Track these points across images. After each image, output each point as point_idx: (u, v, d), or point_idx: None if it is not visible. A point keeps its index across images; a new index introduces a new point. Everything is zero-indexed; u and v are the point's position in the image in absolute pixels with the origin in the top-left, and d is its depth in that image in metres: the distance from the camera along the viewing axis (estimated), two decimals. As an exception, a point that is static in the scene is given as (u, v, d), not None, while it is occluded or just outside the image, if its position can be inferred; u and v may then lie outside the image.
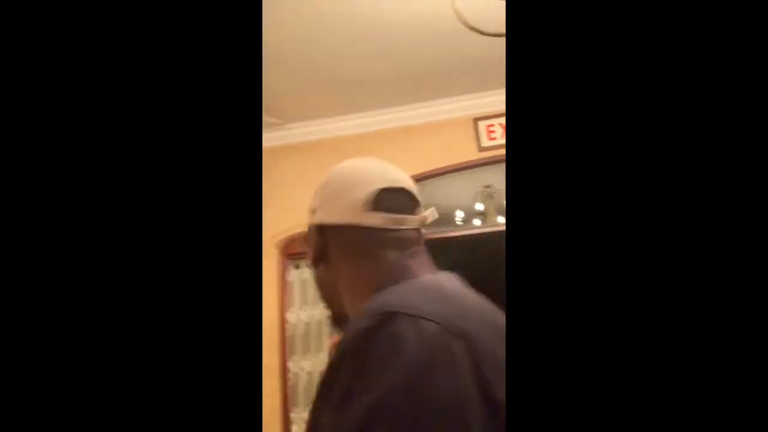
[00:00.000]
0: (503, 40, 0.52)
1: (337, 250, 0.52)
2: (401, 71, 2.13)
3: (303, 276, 2.50)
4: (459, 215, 3.85)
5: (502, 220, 3.20)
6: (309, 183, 2.41)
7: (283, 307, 2.38)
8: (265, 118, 2.44)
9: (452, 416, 0.31)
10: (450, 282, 0.47)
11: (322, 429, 0.35)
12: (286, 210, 2.34)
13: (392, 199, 0.53)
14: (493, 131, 2.37)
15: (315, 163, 2.53)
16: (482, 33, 1.37)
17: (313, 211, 0.56)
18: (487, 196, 3.44)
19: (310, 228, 0.55)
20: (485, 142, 2.37)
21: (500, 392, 0.34)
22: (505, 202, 2.94)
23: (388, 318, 0.36)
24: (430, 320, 0.35)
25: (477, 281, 0.55)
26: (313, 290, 2.45)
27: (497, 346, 0.36)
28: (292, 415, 2.25)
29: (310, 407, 0.42)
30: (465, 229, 3.04)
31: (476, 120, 2.41)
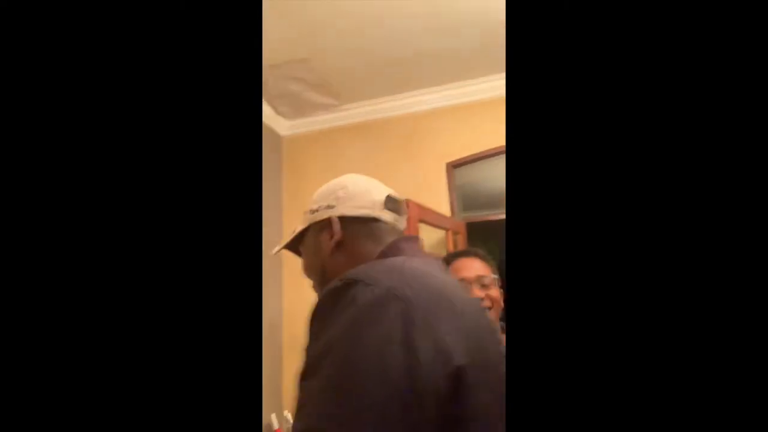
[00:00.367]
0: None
1: (354, 237, 0.66)
2: (456, 49, 2.10)
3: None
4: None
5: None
6: (364, 163, 2.44)
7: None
8: (322, 99, 2.50)
9: (375, 358, 0.41)
10: (421, 263, 0.57)
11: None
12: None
13: (392, 203, 0.70)
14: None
15: (371, 143, 2.58)
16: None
17: (327, 207, 0.69)
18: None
19: (332, 219, 0.67)
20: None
21: (425, 344, 0.43)
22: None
23: (350, 283, 0.47)
24: (379, 287, 0.46)
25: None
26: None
27: (434, 312, 0.46)
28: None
29: None
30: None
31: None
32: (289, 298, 2.48)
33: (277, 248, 0.78)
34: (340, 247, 0.66)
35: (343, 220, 0.67)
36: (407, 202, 2.04)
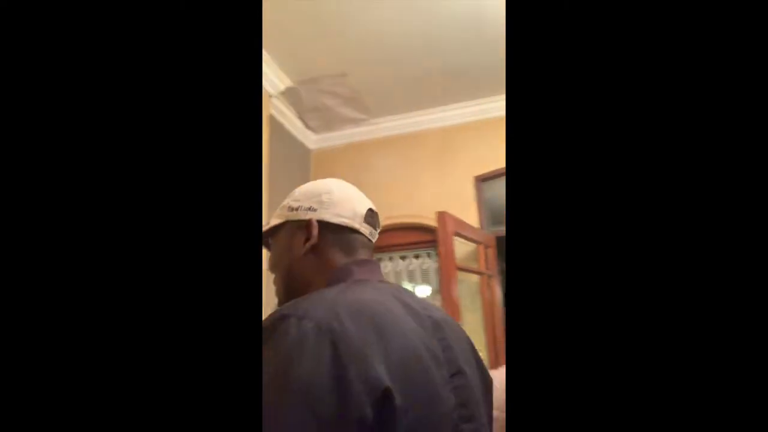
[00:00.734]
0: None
1: (329, 245, 0.67)
2: (486, 64, 2.12)
3: (397, 268, 2.58)
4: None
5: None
6: (392, 176, 2.44)
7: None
8: (354, 114, 2.54)
9: (303, 394, 0.43)
10: (362, 290, 0.59)
11: None
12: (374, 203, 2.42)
13: (372, 216, 0.71)
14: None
15: (399, 157, 2.60)
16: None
17: (309, 209, 0.69)
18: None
19: (311, 222, 0.67)
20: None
21: (352, 373, 0.45)
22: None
23: (282, 318, 0.49)
24: (309, 320, 0.48)
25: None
26: (415, 277, 2.53)
27: (364, 340, 0.48)
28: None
29: None
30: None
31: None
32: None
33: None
34: (313, 251, 0.67)
35: (322, 225, 0.67)
36: (443, 214, 2.04)
